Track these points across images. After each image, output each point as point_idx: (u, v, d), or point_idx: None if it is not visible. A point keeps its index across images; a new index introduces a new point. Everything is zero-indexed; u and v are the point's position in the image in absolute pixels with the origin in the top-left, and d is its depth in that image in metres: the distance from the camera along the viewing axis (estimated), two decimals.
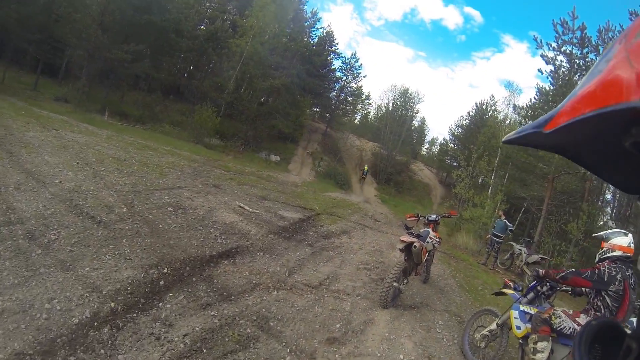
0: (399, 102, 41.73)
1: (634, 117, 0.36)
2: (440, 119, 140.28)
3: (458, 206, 23.22)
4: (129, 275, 4.79)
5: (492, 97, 43.69)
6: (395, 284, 5.97)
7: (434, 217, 7.72)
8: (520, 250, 13.42)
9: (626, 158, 0.43)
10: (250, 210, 9.19)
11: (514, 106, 28.85)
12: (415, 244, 6.01)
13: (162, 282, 4.83)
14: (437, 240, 7.44)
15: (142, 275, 4.87)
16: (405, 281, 6.42)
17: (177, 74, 32.38)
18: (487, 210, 18.49)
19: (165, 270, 5.13)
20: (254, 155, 26.77)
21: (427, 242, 6.92)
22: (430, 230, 7.33)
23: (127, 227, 6.14)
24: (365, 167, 36.33)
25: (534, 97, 25.86)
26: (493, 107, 40.78)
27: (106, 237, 5.64)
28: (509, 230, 13.59)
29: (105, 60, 24.04)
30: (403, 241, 6.05)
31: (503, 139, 0.61)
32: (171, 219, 6.99)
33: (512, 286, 10.79)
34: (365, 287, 6.72)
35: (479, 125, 38.10)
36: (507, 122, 30.25)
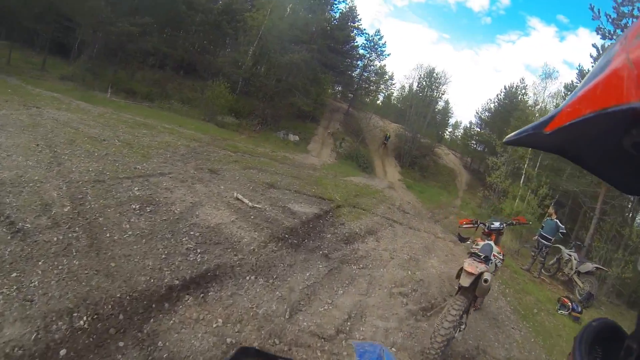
0: (424, 82, 38.76)
1: (634, 118, 0.36)
2: (463, 103, 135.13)
3: (492, 197, 20.49)
4: (9, 337, 2.73)
5: (523, 79, 40.25)
6: (453, 331, 3.82)
7: (497, 224, 5.44)
8: (570, 255, 10.99)
9: (626, 159, 0.42)
10: (250, 204, 7.04)
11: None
12: (485, 277, 3.82)
13: (62, 352, 2.76)
14: (501, 257, 5.19)
15: (34, 336, 2.81)
16: (464, 326, 4.24)
17: (190, 50, 30.08)
18: (530, 205, 15.90)
19: (82, 322, 3.05)
20: (270, 135, 24.60)
21: (490, 263, 4.71)
22: (492, 243, 5.09)
23: (55, 239, 4.08)
24: (388, 134, 35.52)
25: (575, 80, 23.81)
26: (523, 91, 37.99)
27: (15, 258, 3.61)
28: (560, 232, 11.13)
29: (112, 35, 22.16)
30: (470, 273, 3.84)
31: (503, 140, 0.60)
32: (130, 223, 4.88)
33: (570, 306, 8.52)
34: (401, 327, 4.56)
35: (509, 109, 35.48)
36: (538, 107, 27.70)
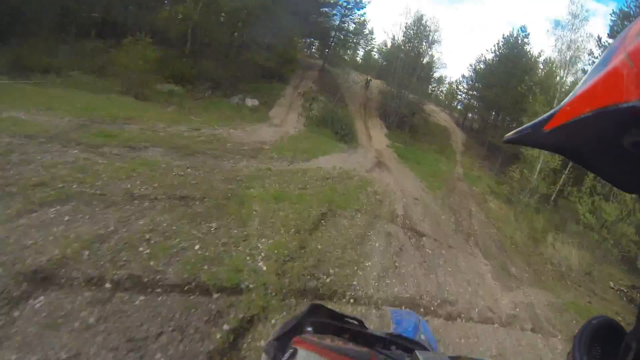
0: (411, 32, 31.22)
1: (634, 116, 0.34)
2: (446, 60, 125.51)
3: (533, 179, 13.70)
4: None
5: (524, 27, 33.02)
6: None
7: None
8: None
9: (626, 157, 0.41)
10: None
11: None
12: None
13: None
14: None
15: None
16: None
17: (114, 7, 22.11)
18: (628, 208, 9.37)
19: None
20: (220, 102, 17.77)
21: None
22: None
23: None
24: (368, 77, 32.62)
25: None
26: (525, 40, 31.64)
27: None
28: None
29: None
30: None
31: (503, 139, 0.58)
32: None
33: None
34: None
35: (512, 59, 30.03)
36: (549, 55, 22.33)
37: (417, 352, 0.72)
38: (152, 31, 19.71)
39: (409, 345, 0.84)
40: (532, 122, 0.48)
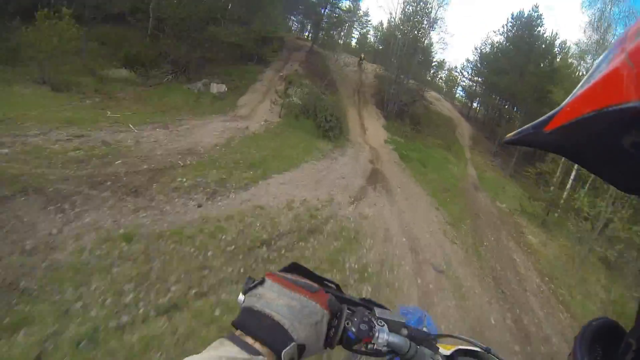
0: (411, 9, 26.25)
1: (634, 117, 0.34)
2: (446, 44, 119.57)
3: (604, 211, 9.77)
4: None
5: (536, 7, 28.35)
6: None
7: None
8: None
9: (626, 158, 0.39)
10: None
11: None
12: None
13: None
14: None
15: None
16: None
17: None
18: None
19: None
20: (177, 89, 13.98)
21: None
22: None
23: None
24: (362, 55, 29.94)
25: None
26: (539, 20, 27.42)
27: None
28: None
29: None
30: None
31: (504, 140, 0.55)
32: None
33: None
34: None
35: (528, 42, 26.21)
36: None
37: (376, 309, 0.79)
38: (97, 5, 15.79)
39: (373, 306, 0.85)
40: (533, 122, 0.46)
